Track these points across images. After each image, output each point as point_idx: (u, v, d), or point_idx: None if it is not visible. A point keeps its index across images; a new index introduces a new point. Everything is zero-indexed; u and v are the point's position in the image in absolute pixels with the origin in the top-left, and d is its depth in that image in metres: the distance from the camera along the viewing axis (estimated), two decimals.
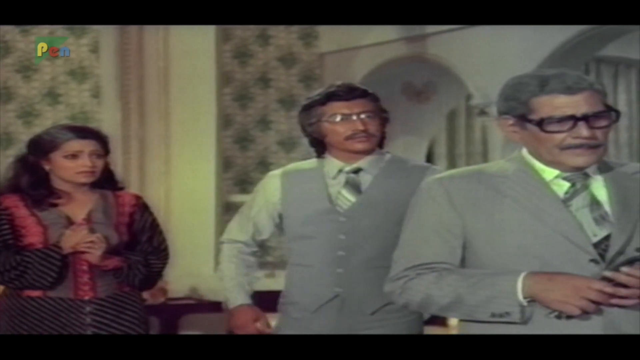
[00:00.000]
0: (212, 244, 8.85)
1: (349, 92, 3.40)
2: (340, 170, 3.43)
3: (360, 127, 3.37)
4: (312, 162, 3.52)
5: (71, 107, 8.83)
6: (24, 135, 8.61)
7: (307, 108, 3.45)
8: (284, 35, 9.53)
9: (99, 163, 3.64)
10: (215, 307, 8.53)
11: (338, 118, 3.38)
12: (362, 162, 3.43)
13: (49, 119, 8.71)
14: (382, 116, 3.44)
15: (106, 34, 8.67)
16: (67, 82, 8.84)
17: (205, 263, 8.60)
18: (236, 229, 3.65)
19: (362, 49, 9.09)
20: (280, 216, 3.54)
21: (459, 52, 8.39)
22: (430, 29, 8.45)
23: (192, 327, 8.29)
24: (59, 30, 8.29)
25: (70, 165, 3.61)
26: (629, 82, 10.68)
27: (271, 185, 3.54)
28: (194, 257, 8.31)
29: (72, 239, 3.56)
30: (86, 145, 3.61)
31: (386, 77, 9.11)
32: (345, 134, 3.38)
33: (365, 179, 3.42)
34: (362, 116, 3.38)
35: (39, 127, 8.56)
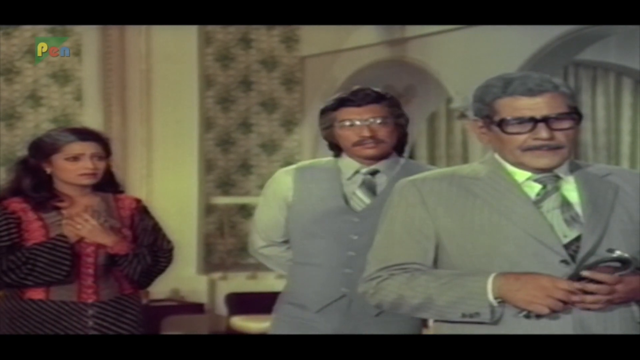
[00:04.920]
0: (194, 246, 8.85)
1: (361, 98, 3.35)
2: (357, 171, 3.38)
3: (367, 134, 3.31)
4: (329, 161, 3.46)
5: (53, 109, 8.82)
6: (6, 138, 8.61)
7: (322, 113, 3.41)
8: (265, 39, 9.55)
9: (101, 165, 3.62)
10: (197, 308, 8.57)
11: (347, 124, 3.34)
12: (379, 165, 3.38)
13: (31, 121, 8.71)
14: (396, 122, 3.39)
15: (88, 37, 8.67)
16: (49, 85, 8.83)
17: (187, 265, 8.59)
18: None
19: (343, 52, 9.09)
20: (289, 212, 3.46)
21: (439, 56, 8.39)
22: (411, 32, 8.47)
23: (173, 328, 8.28)
24: (42, 32, 8.29)
25: (72, 168, 3.58)
26: (607, 85, 10.69)
27: (283, 181, 3.47)
28: (175, 259, 8.29)
29: (72, 224, 3.54)
30: (87, 148, 3.59)
31: (367, 80, 9.04)
32: (353, 140, 3.33)
33: (381, 181, 3.37)
34: (372, 122, 3.32)
35: (21, 129, 8.57)
